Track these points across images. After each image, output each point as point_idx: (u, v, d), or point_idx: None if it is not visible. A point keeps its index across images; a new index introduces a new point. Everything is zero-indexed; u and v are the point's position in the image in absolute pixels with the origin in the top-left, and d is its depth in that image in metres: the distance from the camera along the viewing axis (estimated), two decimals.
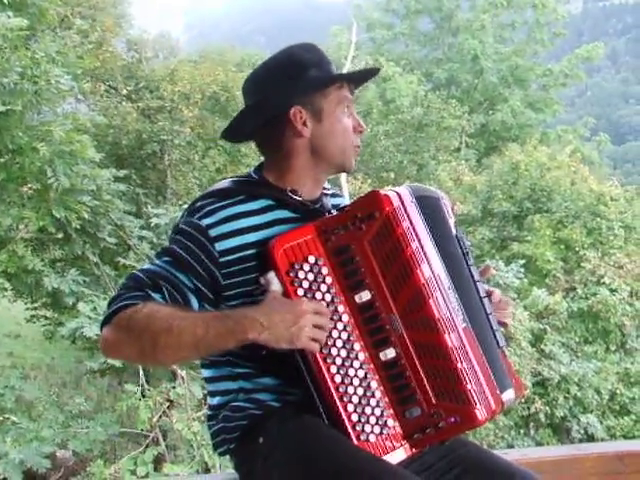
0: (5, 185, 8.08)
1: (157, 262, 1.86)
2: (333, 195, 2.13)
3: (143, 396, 6.88)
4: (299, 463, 1.78)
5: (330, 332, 1.78)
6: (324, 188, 2.07)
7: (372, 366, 1.81)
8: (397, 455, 1.79)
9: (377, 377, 1.81)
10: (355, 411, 1.78)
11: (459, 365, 1.76)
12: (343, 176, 12.15)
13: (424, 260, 1.80)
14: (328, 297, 1.80)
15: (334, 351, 1.78)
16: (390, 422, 1.80)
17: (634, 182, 23.20)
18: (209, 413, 2.01)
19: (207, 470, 6.37)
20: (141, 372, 7.31)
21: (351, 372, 1.79)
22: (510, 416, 9.83)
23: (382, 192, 1.83)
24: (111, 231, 9.12)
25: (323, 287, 1.81)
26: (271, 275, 1.77)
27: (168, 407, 6.81)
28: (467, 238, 2.04)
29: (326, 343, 1.77)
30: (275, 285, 1.77)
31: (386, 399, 1.81)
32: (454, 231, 1.98)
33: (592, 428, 10.20)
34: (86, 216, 8.07)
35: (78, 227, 8.19)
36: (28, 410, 7.70)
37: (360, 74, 2.13)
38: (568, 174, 15.13)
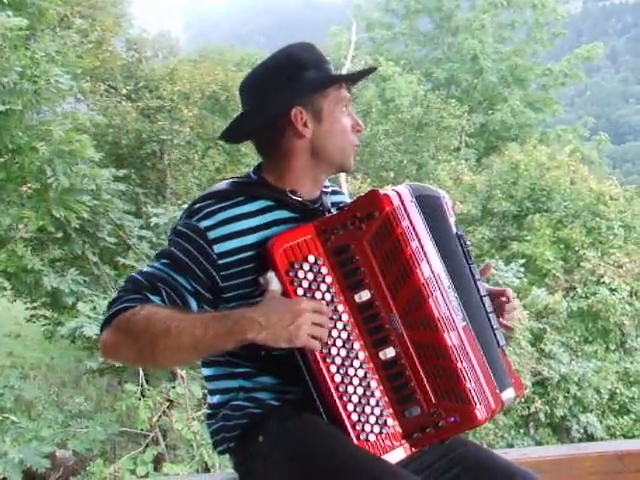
0: (4, 185, 8.07)
1: (156, 264, 1.86)
2: (333, 192, 2.13)
3: (143, 396, 6.88)
4: (299, 462, 1.78)
5: (330, 331, 1.78)
6: (324, 186, 2.07)
7: (372, 365, 1.81)
8: (397, 454, 1.79)
9: (377, 376, 1.81)
10: (355, 410, 1.78)
11: (459, 364, 1.76)
12: (342, 175, 12.15)
13: (424, 259, 1.80)
14: (328, 296, 1.80)
15: (334, 350, 1.78)
16: (390, 421, 1.80)
17: (634, 181, 23.20)
18: (209, 412, 2.01)
19: (207, 470, 6.37)
20: (141, 372, 7.31)
21: (351, 371, 1.79)
22: (510, 415, 9.83)
23: (382, 191, 1.83)
24: (111, 231, 9.12)
25: (323, 287, 1.81)
26: (270, 275, 1.77)
27: (168, 407, 6.81)
28: (467, 237, 2.04)
29: (326, 342, 1.77)
30: (274, 285, 1.77)
31: (386, 398, 1.81)
32: (454, 230, 1.98)
33: (592, 427, 10.20)
34: (85, 216, 8.07)
35: (77, 227, 8.19)
36: (28, 410, 7.70)
37: (359, 74, 2.14)
38: (568, 174, 15.13)
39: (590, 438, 10.10)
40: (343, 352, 1.79)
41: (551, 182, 14.67)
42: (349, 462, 1.71)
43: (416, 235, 1.81)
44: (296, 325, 1.70)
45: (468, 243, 2.00)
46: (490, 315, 1.95)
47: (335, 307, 1.80)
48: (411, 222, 1.81)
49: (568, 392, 10.33)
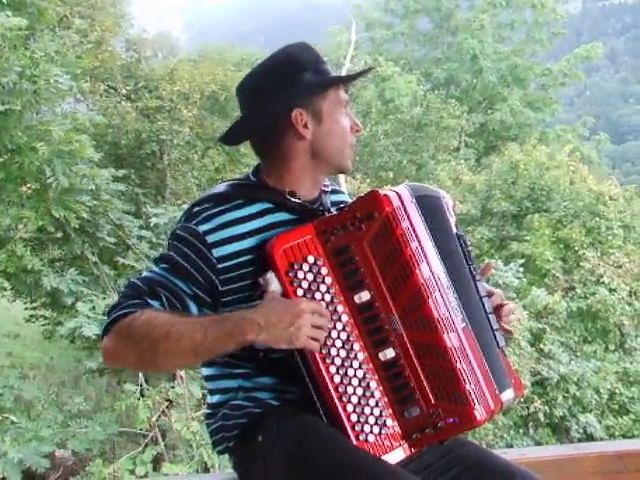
0: (4, 185, 8.07)
1: (155, 269, 1.87)
2: (333, 192, 2.13)
3: (142, 396, 6.87)
4: (298, 462, 1.78)
5: (329, 332, 1.78)
6: (324, 185, 2.07)
7: (371, 366, 1.81)
8: (396, 455, 1.79)
9: (376, 377, 1.81)
10: (354, 411, 1.78)
11: (458, 365, 1.77)
12: (342, 176, 12.15)
13: (423, 260, 1.80)
14: (327, 297, 1.80)
15: (333, 351, 1.78)
16: (389, 422, 1.81)
17: (633, 181, 23.21)
18: (208, 411, 2.01)
19: (206, 470, 6.37)
20: (140, 372, 7.31)
21: (350, 372, 1.79)
22: (509, 416, 9.83)
23: (382, 192, 1.83)
24: (110, 231, 9.11)
25: (322, 287, 1.81)
26: (270, 275, 1.77)
27: (167, 407, 6.81)
28: (467, 237, 2.04)
29: (325, 343, 1.77)
30: (274, 285, 1.76)
31: (385, 399, 1.81)
32: (454, 230, 1.98)
33: (591, 428, 10.20)
34: (85, 216, 8.06)
35: (77, 227, 8.18)
36: (27, 410, 7.69)
37: (358, 75, 2.15)
38: (567, 173, 15.14)
39: (589, 438, 10.10)
40: (343, 353, 1.79)
41: (550, 182, 14.68)
42: (349, 462, 1.71)
43: (416, 236, 1.81)
44: (296, 326, 1.70)
45: (468, 243, 2.00)
46: (490, 316, 1.95)
47: (335, 308, 1.80)
48: (411, 223, 1.81)
49: (567, 392, 10.33)
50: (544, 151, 16.14)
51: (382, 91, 21.09)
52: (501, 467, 1.93)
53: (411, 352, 1.79)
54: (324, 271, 1.82)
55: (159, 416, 6.79)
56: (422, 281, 1.78)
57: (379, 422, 1.79)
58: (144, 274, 1.89)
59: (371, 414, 1.79)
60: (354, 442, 1.76)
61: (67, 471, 7.83)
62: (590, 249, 12.78)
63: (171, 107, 12.92)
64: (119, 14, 15.20)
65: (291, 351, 1.76)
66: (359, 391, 1.79)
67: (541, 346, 10.58)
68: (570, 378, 10.34)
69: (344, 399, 1.77)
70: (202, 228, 1.84)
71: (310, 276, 1.80)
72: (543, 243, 13.12)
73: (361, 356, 1.81)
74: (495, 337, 1.95)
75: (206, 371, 2.00)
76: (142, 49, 15.34)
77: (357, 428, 1.77)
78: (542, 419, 10.09)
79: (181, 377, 7.02)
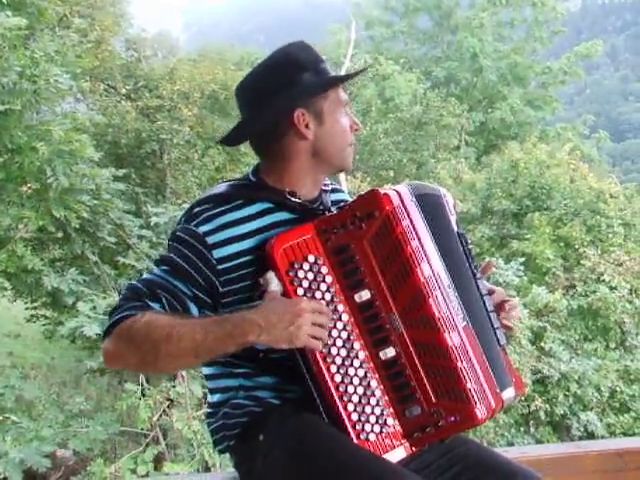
0: (4, 185, 8.07)
1: (155, 271, 1.87)
2: (333, 190, 2.13)
3: (143, 395, 6.88)
4: (299, 461, 1.78)
5: (330, 331, 1.78)
6: (324, 184, 2.07)
7: (372, 365, 1.81)
8: (397, 454, 1.80)
9: (377, 376, 1.81)
10: (355, 410, 1.78)
11: (459, 364, 1.77)
12: (342, 175, 12.14)
13: (424, 259, 1.80)
14: (328, 296, 1.80)
15: (334, 350, 1.78)
16: (390, 421, 1.81)
17: (633, 179, 23.26)
18: (209, 410, 2.01)
19: (207, 469, 6.38)
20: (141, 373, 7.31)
21: (351, 371, 1.79)
22: (510, 414, 9.82)
23: (382, 191, 1.83)
24: (110, 230, 9.11)
25: (323, 286, 1.81)
26: (270, 275, 1.77)
27: (168, 406, 6.82)
28: (468, 236, 2.04)
29: (326, 342, 1.76)
30: (274, 285, 1.76)
31: (386, 398, 1.81)
32: (455, 228, 1.98)
33: (592, 426, 10.19)
34: (85, 215, 8.07)
35: (77, 226, 8.19)
36: (28, 409, 7.69)
37: (358, 73, 2.16)
38: (567, 172, 15.12)
39: (590, 436, 10.09)
40: (343, 352, 1.79)
41: (551, 180, 14.67)
42: (349, 461, 1.71)
43: (416, 234, 1.81)
44: (296, 325, 1.69)
45: (469, 242, 2.00)
46: (491, 314, 1.95)
47: (335, 307, 1.80)
48: (411, 221, 1.81)
49: (568, 390, 10.32)
50: (544, 149, 16.13)
51: (382, 90, 21.08)
52: (502, 465, 1.93)
53: (412, 351, 1.79)
54: (324, 270, 1.82)
55: (160, 415, 6.80)
56: (422, 280, 1.78)
57: (380, 421, 1.79)
58: (144, 276, 1.89)
59: (372, 413, 1.79)
60: (355, 441, 1.76)
61: (68, 471, 7.83)
62: (590, 247, 12.76)
63: (171, 106, 12.91)
64: (119, 13, 15.18)
65: (292, 350, 1.76)
66: (360, 390, 1.79)
67: (542, 344, 10.57)
68: (571, 376, 10.32)
69: (345, 398, 1.77)
70: (202, 229, 1.84)
71: (310, 275, 1.80)
72: (543, 241, 13.11)
73: (362, 355, 1.81)
74: (496, 335, 1.95)
75: (207, 370, 2.00)
76: (142, 48, 15.32)
77: (358, 427, 1.77)
78: (543, 417, 10.08)
79: (182, 376, 7.02)
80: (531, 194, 14.74)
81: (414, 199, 1.85)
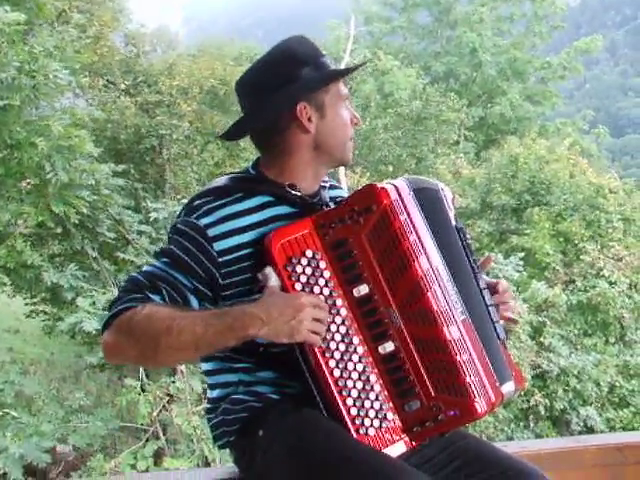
0: (3, 180, 8.06)
1: (156, 263, 1.86)
2: (331, 187, 2.13)
3: (143, 390, 6.88)
4: (299, 456, 1.78)
5: (328, 326, 1.78)
6: (322, 181, 2.07)
7: (371, 359, 1.81)
8: (397, 448, 1.79)
9: (376, 370, 1.81)
10: (354, 405, 1.78)
11: (458, 358, 1.76)
12: (342, 170, 12.15)
13: (422, 253, 1.79)
14: (326, 291, 1.80)
15: (333, 345, 1.78)
16: (389, 415, 1.80)
17: (633, 174, 23.29)
18: (209, 406, 2.01)
19: (207, 464, 6.38)
20: (141, 367, 7.31)
21: (350, 366, 1.79)
22: (510, 409, 9.83)
23: (379, 185, 1.83)
24: (110, 226, 9.10)
25: (321, 281, 1.80)
26: (269, 270, 1.77)
27: (168, 401, 6.82)
28: (467, 230, 2.04)
29: (325, 337, 1.76)
30: (273, 280, 1.76)
31: (385, 392, 1.81)
32: (454, 222, 1.98)
33: (591, 420, 10.20)
34: (85, 211, 8.05)
35: (77, 222, 8.18)
36: (28, 405, 7.70)
37: (358, 66, 2.17)
38: (567, 167, 15.12)
39: (590, 431, 10.10)
40: (342, 346, 1.79)
41: (550, 175, 14.67)
42: (349, 456, 1.71)
43: (414, 228, 1.81)
44: (297, 320, 1.70)
45: (468, 236, 2.00)
46: (490, 308, 1.95)
47: (333, 301, 1.80)
48: (409, 215, 1.81)
49: (568, 385, 10.33)
50: (544, 144, 16.14)
51: (381, 85, 21.07)
52: (502, 460, 1.93)
53: (411, 345, 1.78)
54: (322, 265, 1.81)
55: (160, 411, 6.80)
56: (421, 274, 1.78)
57: (379, 415, 1.79)
58: (145, 268, 1.88)
59: (371, 407, 1.79)
60: (354, 436, 1.76)
61: (68, 466, 7.84)
62: (590, 242, 12.77)
63: (170, 102, 12.90)
64: (117, 9, 15.16)
65: (291, 345, 1.76)
66: (359, 385, 1.79)
67: (541, 339, 10.58)
68: (570, 371, 10.34)
69: (344, 393, 1.77)
70: (203, 221, 1.84)
71: (308, 270, 1.80)
72: (543, 236, 13.12)
73: (360, 350, 1.81)
74: (495, 329, 1.94)
75: (206, 366, 2.00)
76: (141, 44, 15.30)
77: (357, 422, 1.77)
78: (542, 412, 10.09)
79: (182, 372, 7.02)
80: (530, 189, 14.74)
81: (412, 193, 1.85)
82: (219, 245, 1.82)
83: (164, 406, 6.81)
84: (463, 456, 1.93)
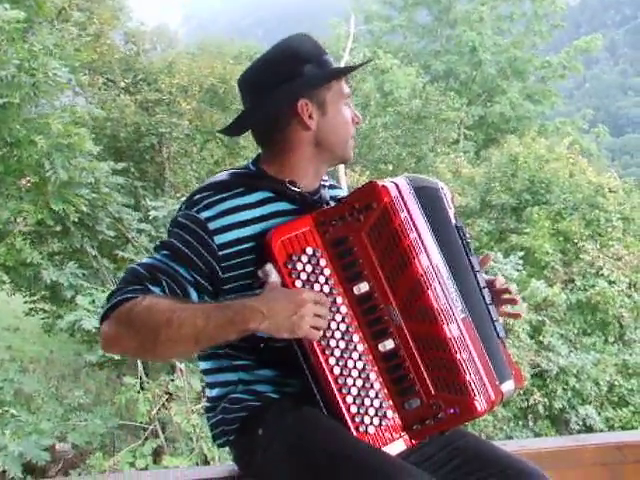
0: (3, 178, 8.07)
1: (156, 255, 1.85)
2: (331, 187, 2.13)
3: (142, 389, 6.89)
4: (298, 455, 1.78)
5: (329, 323, 1.77)
6: (322, 180, 2.07)
7: (371, 357, 1.81)
8: (396, 446, 1.79)
9: (376, 368, 1.81)
10: (354, 402, 1.77)
11: (458, 356, 1.76)
12: (341, 168, 12.16)
13: (422, 251, 1.79)
14: (326, 288, 1.80)
15: (333, 342, 1.78)
16: (389, 413, 1.80)
17: (632, 174, 23.28)
18: (208, 405, 2.01)
19: (206, 462, 6.38)
20: (140, 365, 7.32)
21: (350, 363, 1.78)
22: (509, 408, 9.84)
23: (380, 183, 1.82)
24: (109, 224, 9.11)
25: (321, 278, 1.80)
26: (269, 267, 1.77)
27: (167, 400, 6.82)
28: (466, 229, 2.04)
29: (325, 334, 1.76)
30: (273, 277, 1.76)
31: (385, 390, 1.81)
32: (453, 221, 1.98)
33: (590, 419, 10.22)
34: (84, 209, 8.06)
35: (76, 220, 8.19)
36: (27, 403, 7.70)
37: (361, 65, 2.17)
38: (566, 166, 15.13)
39: (589, 430, 10.12)
40: (342, 344, 1.78)
41: (550, 174, 14.68)
42: (349, 454, 1.71)
43: (414, 226, 1.80)
44: (299, 315, 1.69)
45: (467, 235, 2.00)
46: (490, 306, 1.95)
47: (334, 299, 1.80)
48: (409, 213, 1.81)
49: (567, 384, 10.34)
50: (543, 144, 16.15)
51: (381, 83, 21.08)
52: (501, 458, 1.93)
53: (411, 343, 1.78)
54: (323, 262, 1.81)
55: (159, 409, 6.80)
56: (421, 272, 1.77)
57: (379, 413, 1.79)
58: (145, 260, 1.87)
59: (371, 405, 1.79)
60: (354, 434, 1.76)
61: (67, 464, 7.84)
62: (589, 241, 12.78)
63: (170, 100, 12.90)
64: (117, 7, 15.16)
65: (290, 342, 1.75)
66: (359, 382, 1.78)
67: (540, 338, 10.59)
68: (569, 370, 10.35)
69: (344, 390, 1.77)
70: (204, 215, 1.83)
71: (309, 267, 1.79)
72: (542, 235, 13.11)
73: (360, 347, 1.80)
74: (495, 328, 1.94)
75: (204, 364, 1.99)
76: (141, 42, 15.30)
77: (357, 419, 1.77)
78: (542, 411, 10.11)
79: (181, 370, 7.02)
80: (530, 188, 14.74)
81: (412, 191, 1.85)
82: (220, 238, 1.82)
83: (163, 404, 6.81)
84: (462, 454, 1.93)
